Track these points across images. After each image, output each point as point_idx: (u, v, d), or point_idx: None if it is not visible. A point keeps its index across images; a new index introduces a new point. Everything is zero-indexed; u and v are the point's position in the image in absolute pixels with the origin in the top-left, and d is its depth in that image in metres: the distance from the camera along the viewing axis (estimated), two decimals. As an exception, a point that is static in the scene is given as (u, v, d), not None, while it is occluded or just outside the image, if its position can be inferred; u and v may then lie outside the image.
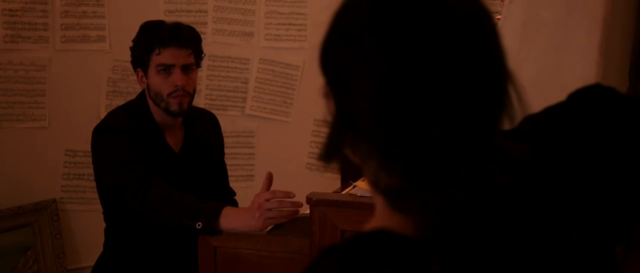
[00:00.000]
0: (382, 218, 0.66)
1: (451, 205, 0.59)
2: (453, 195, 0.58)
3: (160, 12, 3.08)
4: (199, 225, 1.73)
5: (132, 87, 3.08)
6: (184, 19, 3.06)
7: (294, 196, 1.70)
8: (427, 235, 0.61)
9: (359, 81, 0.62)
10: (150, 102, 2.03)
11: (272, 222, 1.70)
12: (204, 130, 2.15)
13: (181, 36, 1.98)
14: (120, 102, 3.06)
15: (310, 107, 3.11)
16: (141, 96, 2.07)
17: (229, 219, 1.73)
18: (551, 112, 0.95)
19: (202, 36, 3.08)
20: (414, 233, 0.62)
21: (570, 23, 2.13)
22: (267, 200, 1.69)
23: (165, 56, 1.96)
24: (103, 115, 3.03)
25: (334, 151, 0.67)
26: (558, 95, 0.90)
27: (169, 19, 3.09)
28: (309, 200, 1.64)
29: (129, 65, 3.02)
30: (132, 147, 1.92)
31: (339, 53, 0.65)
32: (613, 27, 2.13)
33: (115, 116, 2.03)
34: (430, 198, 0.59)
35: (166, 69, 1.96)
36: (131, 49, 2.04)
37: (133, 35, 3.10)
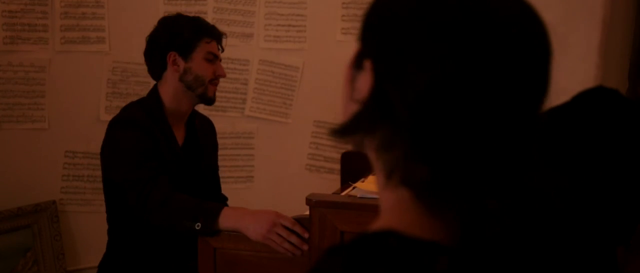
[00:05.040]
0: (388, 218, 0.65)
1: (484, 210, 0.58)
2: (491, 201, 0.58)
3: (159, 13, 3.07)
4: (198, 226, 1.73)
5: (131, 89, 3.08)
6: (184, 21, 3.07)
7: (308, 237, 1.66)
8: (442, 238, 0.61)
9: (415, 73, 0.59)
10: (168, 95, 2.07)
11: (271, 244, 1.68)
12: (202, 128, 2.24)
13: (222, 36, 2.15)
14: (120, 103, 3.06)
15: (310, 108, 3.11)
16: (153, 93, 2.11)
17: (228, 218, 1.73)
18: (555, 113, 0.95)
19: (202, 37, 3.11)
20: (423, 233, 0.62)
21: (570, 25, 2.13)
22: (284, 226, 1.67)
23: (213, 47, 2.11)
24: (103, 116, 3.05)
25: (354, 129, 0.64)
26: (558, 96, 0.90)
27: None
28: (308, 201, 1.63)
29: (129, 67, 3.07)
30: (145, 142, 1.96)
31: (397, 35, 0.61)
32: (612, 28, 2.13)
33: (131, 110, 2.07)
34: (464, 200, 0.59)
35: (213, 59, 2.10)
36: (169, 31, 2.08)
37: (133, 36, 3.11)
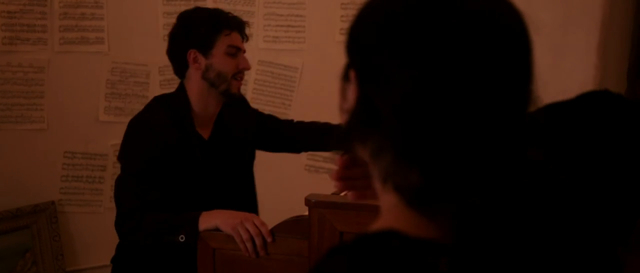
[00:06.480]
0: (389, 218, 0.65)
1: (476, 210, 0.58)
2: (481, 200, 0.58)
3: (158, 13, 3.08)
4: (181, 238, 1.75)
5: (130, 89, 3.08)
6: (183, 21, 3.06)
7: (271, 241, 1.70)
8: (441, 237, 0.61)
9: (398, 75, 0.60)
10: (194, 94, 2.01)
11: (237, 238, 1.71)
12: (232, 118, 2.15)
13: (244, 24, 2.05)
14: (119, 104, 3.07)
15: (309, 108, 3.10)
16: (180, 91, 2.05)
17: (207, 219, 1.75)
18: (556, 111, 0.95)
19: (201, 38, 3.11)
20: (422, 233, 0.62)
21: (568, 25, 2.14)
22: (254, 223, 1.70)
23: (234, 39, 2.01)
24: (102, 117, 3.05)
25: (348, 140, 0.66)
26: (556, 97, 0.91)
27: (168, 21, 3.10)
28: (307, 202, 1.63)
29: (128, 67, 3.06)
30: (153, 152, 1.91)
31: (378, 41, 0.62)
32: (611, 29, 2.13)
33: (152, 110, 2.02)
34: (456, 201, 0.59)
35: (235, 52, 2.01)
36: (187, 29, 2.01)
37: (132, 36, 3.11)
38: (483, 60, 0.59)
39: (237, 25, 2.03)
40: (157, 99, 2.08)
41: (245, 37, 2.06)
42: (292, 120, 2.35)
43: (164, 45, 3.07)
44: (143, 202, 1.87)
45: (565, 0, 2.15)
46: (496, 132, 0.60)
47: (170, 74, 3.10)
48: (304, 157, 3.17)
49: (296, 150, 2.40)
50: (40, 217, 2.99)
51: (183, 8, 3.08)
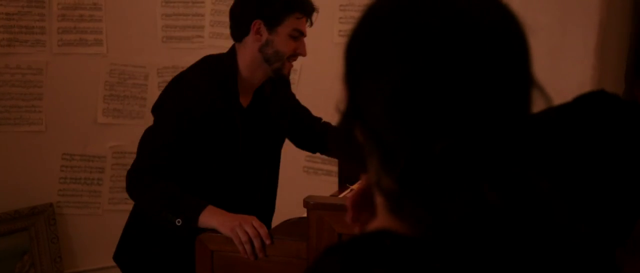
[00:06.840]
0: (383, 219, 0.66)
1: (442, 221, 0.59)
2: (444, 211, 0.58)
3: (157, 15, 3.08)
4: (178, 222, 1.76)
5: (129, 91, 3.08)
6: (182, 23, 3.06)
7: (270, 243, 1.69)
8: (425, 238, 0.61)
9: (379, 82, 0.61)
10: (245, 61, 1.98)
11: (235, 239, 1.71)
12: (272, 93, 2.13)
13: (314, 12, 2.01)
14: (117, 105, 3.07)
15: (307, 110, 3.11)
16: (231, 55, 2.01)
17: (208, 216, 1.75)
18: (554, 114, 0.95)
19: (200, 40, 3.11)
20: (414, 233, 0.62)
21: (566, 27, 2.14)
22: (253, 226, 1.70)
23: (302, 23, 1.98)
24: (100, 118, 3.05)
25: (344, 140, 0.67)
26: (554, 98, 0.91)
27: (167, 22, 3.11)
28: (306, 203, 1.64)
29: (127, 69, 3.07)
30: (188, 123, 1.88)
31: (364, 49, 0.64)
32: (609, 30, 2.14)
33: (198, 71, 1.98)
34: (423, 211, 0.59)
35: (298, 36, 1.98)
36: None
37: (130, 38, 3.11)
38: (460, 68, 0.58)
39: (309, 11, 1.98)
40: (206, 58, 2.04)
41: (311, 23, 2.03)
42: (320, 118, 2.33)
43: (162, 47, 3.10)
44: (163, 163, 1.86)
45: (563, 2, 2.16)
46: (480, 141, 0.59)
47: (168, 75, 3.11)
48: (302, 159, 3.17)
49: (316, 150, 2.37)
50: (39, 219, 2.99)
51: (182, 10, 3.10)
